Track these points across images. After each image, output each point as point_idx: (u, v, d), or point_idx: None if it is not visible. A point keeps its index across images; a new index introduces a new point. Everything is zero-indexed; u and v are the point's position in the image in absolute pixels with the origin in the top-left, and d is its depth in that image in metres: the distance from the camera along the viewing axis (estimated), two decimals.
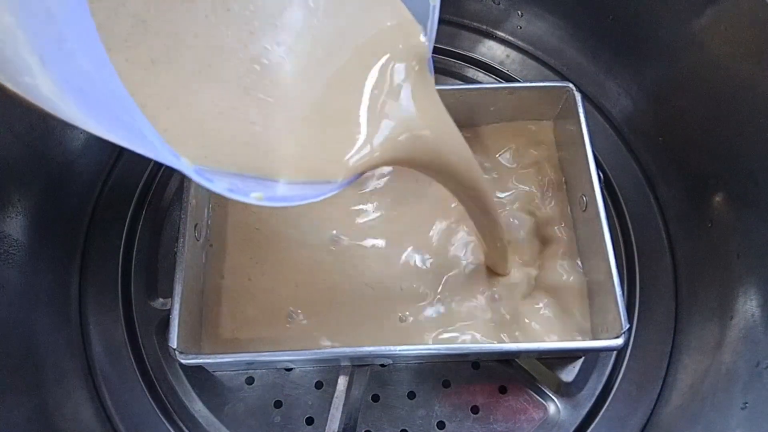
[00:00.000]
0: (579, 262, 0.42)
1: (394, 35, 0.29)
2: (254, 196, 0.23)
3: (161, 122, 0.24)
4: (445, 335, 0.40)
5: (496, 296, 0.41)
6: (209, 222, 0.42)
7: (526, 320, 0.40)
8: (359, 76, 0.28)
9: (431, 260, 0.42)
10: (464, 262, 0.42)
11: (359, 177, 0.28)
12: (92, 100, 0.16)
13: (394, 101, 0.28)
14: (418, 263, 0.42)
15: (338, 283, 0.41)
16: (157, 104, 0.24)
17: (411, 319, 0.40)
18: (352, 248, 0.42)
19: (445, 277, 0.42)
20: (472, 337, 0.40)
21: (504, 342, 0.39)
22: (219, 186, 0.22)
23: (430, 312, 0.41)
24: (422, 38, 0.29)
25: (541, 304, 0.41)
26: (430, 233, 0.43)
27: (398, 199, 0.44)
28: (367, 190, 0.44)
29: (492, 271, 0.42)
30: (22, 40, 0.15)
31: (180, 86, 0.25)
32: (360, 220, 0.43)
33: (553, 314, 0.40)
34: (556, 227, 0.43)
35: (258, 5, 0.27)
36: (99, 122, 0.17)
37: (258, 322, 0.40)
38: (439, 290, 0.41)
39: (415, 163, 0.30)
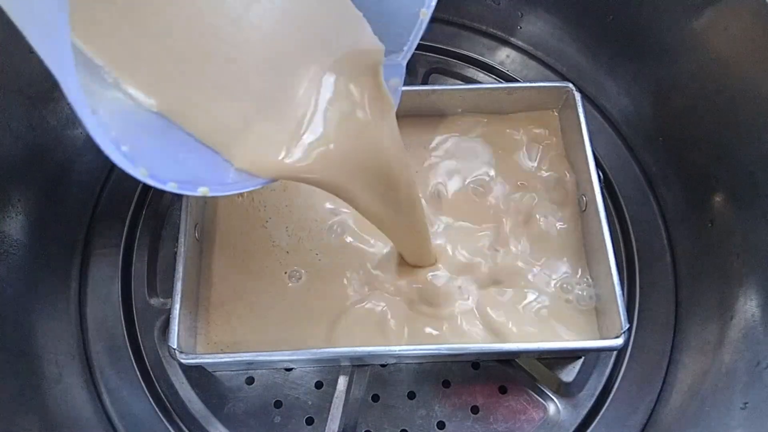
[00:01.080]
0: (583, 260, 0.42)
1: (360, 56, 0.30)
2: (201, 191, 0.25)
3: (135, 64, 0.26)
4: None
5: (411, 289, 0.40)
6: (206, 219, 0.42)
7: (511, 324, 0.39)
8: (318, 85, 0.29)
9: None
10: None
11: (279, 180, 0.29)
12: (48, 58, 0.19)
13: (346, 113, 0.29)
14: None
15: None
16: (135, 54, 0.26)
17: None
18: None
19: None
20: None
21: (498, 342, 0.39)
22: (170, 186, 0.24)
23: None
24: (382, 59, 0.30)
25: (527, 303, 0.40)
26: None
27: None
28: None
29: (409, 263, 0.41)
30: None
31: (157, 41, 0.27)
32: None
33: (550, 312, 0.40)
34: (558, 214, 0.43)
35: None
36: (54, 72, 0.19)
37: (248, 318, 0.40)
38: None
39: (350, 171, 0.31)
